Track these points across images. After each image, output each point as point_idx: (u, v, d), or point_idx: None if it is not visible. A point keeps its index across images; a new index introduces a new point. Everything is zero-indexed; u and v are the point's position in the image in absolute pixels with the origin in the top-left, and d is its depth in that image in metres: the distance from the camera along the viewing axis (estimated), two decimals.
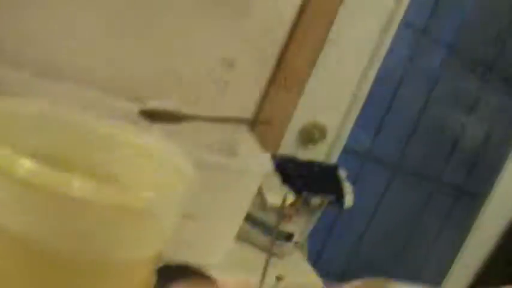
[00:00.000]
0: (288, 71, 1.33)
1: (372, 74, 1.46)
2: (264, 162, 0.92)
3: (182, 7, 1.22)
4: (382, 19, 1.41)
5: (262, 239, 1.04)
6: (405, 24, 1.48)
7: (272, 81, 1.34)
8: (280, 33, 1.32)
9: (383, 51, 1.45)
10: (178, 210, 0.62)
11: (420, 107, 1.71)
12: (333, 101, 1.45)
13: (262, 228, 1.07)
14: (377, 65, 1.46)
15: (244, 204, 0.97)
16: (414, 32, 1.61)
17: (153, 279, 0.67)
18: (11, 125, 0.63)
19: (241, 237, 1.04)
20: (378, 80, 1.44)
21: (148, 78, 1.24)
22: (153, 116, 0.94)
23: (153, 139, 0.70)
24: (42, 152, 0.60)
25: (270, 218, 1.07)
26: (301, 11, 1.31)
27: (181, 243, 0.74)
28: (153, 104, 0.97)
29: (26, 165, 0.54)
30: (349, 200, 1.08)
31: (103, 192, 0.55)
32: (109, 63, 1.19)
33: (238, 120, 1.04)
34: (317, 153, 1.40)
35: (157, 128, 0.91)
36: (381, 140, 1.67)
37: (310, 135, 1.42)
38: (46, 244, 0.57)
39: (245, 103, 1.31)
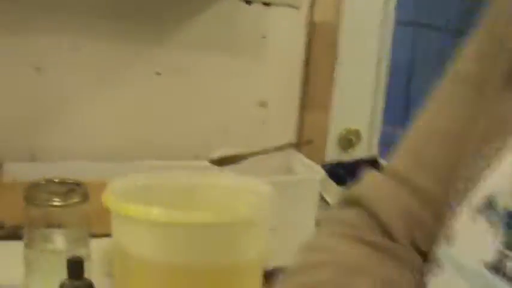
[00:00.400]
0: (312, 94, 1.57)
1: (383, 75, 1.70)
2: (317, 171, 1.15)
3: (215, 68, 1.49)
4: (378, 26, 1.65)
5: None
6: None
7: (302, 107, 1.59)
8: (297, 67, 1.57)
9: (388, 52, 1.69)
10: (268, 222, 0.86)
11: None
12: (357, 107, 1.69)
13: None
14: (386, 64, 1.69)
15: (311, 210, 1.20)
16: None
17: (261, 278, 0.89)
18: (143, 190, 0.89)
19: None
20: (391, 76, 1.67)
21: (201, 137, 1.50)
22: (220, 162, 1.19)
23: (233, 177, 0.95)
24: (164, 202, 0.85)
25: None
26: (309, 43, 1.56)
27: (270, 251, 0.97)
28: (216, 154, 1.21)
29: (155, 211, 0.79)
30: None
31: (217, 215, 0.80)
32: (171, 137, 1.46)
33: (285, 147, 1.28)
34: (358, 154, 1.63)
35: (228, 169, 1.16)
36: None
37: (348, 141, 1.65)
38: (182, 263, 0.81)
39: (286, 131, 1.56)
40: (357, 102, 1.66)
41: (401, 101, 1.85)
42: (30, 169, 1.23)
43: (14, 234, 1.19)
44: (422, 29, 1.84)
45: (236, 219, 0.80)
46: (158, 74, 1.48)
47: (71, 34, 1.41)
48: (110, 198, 0.84)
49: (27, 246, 1.00)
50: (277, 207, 0.87)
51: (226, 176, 0.97)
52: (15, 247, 1.07)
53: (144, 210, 0.80)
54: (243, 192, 0.93)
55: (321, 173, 1.15)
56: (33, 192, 0.97)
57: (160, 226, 0.79)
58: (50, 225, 1.00)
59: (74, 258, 0.86)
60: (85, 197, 0.98)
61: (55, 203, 0.96)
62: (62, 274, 0.88)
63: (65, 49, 1.41)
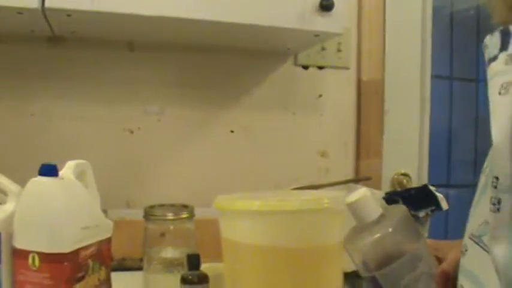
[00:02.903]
0: (366, 143, 1.80)
1: (427, 125, 1.91)
2: (378, 193, 1.37)
3: (280, 125, 1.72)
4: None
5: None
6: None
7: (358, 154, 1.81)
8: (351, 119, 1.81)
9: (428, 106, 1.91)
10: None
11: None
12: (406, 153, 1.90)
13: None
14: (427, 117, 1.91)
15: None
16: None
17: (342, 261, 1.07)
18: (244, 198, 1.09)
19: None
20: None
21: (272, 185, 1.72)
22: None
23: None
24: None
25: None
26: (359, 98, 1.80)
27: None
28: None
29: (256, 203, 1.00)
30: (444, 204, 1.49)
31: (307, 203, 1.01)
32: (245, 185, 1.68)
33: (347, 181, 1.50)
34: None
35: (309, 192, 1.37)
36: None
37: (400, 183, 1.86)
38: (280, 246, 1.01)
39: (345, 176, 1.78)
40: (405, 148, 1.88)
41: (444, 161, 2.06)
42: (127, 214, 1.46)
43: (120, 266, 1.41)
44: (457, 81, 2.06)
45: (322, 206, 1.01)
46: (232, 131, 1.72)
47: (158, 102, 1.68)
48: (219, 201, 1.07)
49: (147, 265, 1.19)
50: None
51: (308, 191, 1.19)
52: (124, 276, 1.29)
53: (247, 204, 1.02)
54: (323, 195, 1.14)
55: (381, 193, 1.36)
56: (151, 210, 1.19)
57: (261, 215, 1.01)
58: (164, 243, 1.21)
59: (192, 253, 1.08)
60: (192, 214, 1.20)
61: (168, 217, 1.18)
62: None
63: (153, 114, 1.67)
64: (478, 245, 0.67)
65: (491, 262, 0.63)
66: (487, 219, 0.66)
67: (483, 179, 0.69)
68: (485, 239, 0.66)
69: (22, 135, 1.58)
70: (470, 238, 0.69)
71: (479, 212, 0.68)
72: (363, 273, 0.82)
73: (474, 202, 0.70)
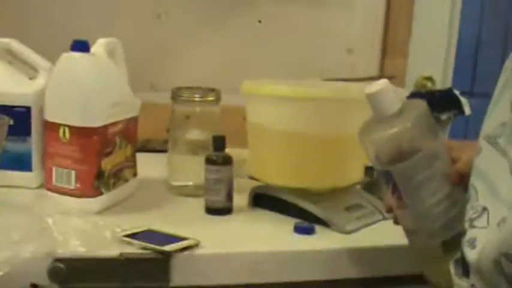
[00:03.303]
0: (393, 42, 1.79)
1: (455, 30, 1.89)
2: (403, 91, 1.38)
3: (308, 18, 1.71)
4: None
5: None
6: None
7: (384, 54, 1.80)
8: (379, 16, 1.79)
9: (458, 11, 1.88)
10: None
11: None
12: (432, 57, 1.89)
13: None
14: (457, 21, 1.89)
15: None
16: None
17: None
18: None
19: None
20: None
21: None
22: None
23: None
24: None
25: None
26: None
27: None
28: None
29: (284, 88, 1.00)
30: (467, 109, 1.50)
31: (335, 92, 1.01)
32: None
33: (371, 78, 1.50)
34: None
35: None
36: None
37: (424, 86, 1.85)
38: (306, 132, 1.03)
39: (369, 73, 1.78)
40: (431, 51, 1.86)
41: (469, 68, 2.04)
42: (151, 97, 1.47)
43: (143, 147, 1.44)
44: None
45: (350, 96, 1.02)
46: (259, 21, 1.71)
47: None
48: (246, 85, 1.08)
49: (172, 147, 1.22)
50: None
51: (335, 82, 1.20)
52: (147, 157, 1.33)
53: (276, 89, 1.04)
54: (352, 86, 1.14)
55: (405, 92, 1.37)
56: (178, 91, 1.21)
57: (290, 101, 1.03)
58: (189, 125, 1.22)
59: (218, 135, 1.10)
60: (218, 98, 1.22)
61: (195, 99, 1.20)
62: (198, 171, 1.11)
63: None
64: (493, 146, 0.67)
65: (504, 164, 0.64)
66: (504, 121, 0.66)
67: (503, 78, 0.69)
68: (500, 141, 0.66)
69: (52, 13, 1.58)
70: (485, 139, 0.69)
71: (497, 112, 0.68)
72: (376, 166, 0.82)
73: (492, 102, 0.70)
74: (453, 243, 0.75)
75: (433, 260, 0.83)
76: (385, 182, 0.81)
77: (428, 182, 0.78)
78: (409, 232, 0.84)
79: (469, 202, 0.70)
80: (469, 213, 0.69)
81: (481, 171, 0.69)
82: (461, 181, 0.78)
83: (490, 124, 0.69)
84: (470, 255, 0.66)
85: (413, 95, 1.50)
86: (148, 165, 1.28)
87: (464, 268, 0.68)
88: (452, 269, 0.72)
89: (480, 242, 0.65)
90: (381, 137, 0.79)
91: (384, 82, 0.80)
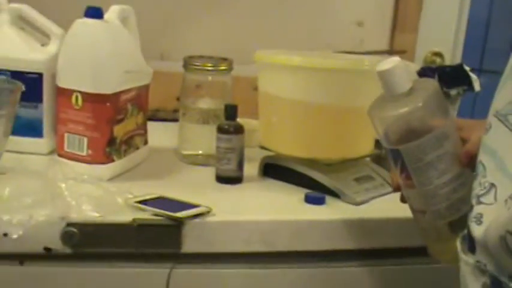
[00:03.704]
0: (403, 17, 1.78)
1: (466, 7, 1.88)
2: (413, 65, 1.37)
3: None
4: None
5: None
6: None
7: (394, 28, 1.80)
8: None
9: None
10: None
11: None
12: (442, 33, 1.88)
13: None
14: None
15: None
16: None
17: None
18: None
19: None
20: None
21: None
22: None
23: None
24: None
25: None
26: None
27: None
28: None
29: (297, 58, 1.00)
30: (477, 85, 1.49)
31: (347, 63, 1.02)
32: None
33: (381, 52, 1.50)
34: None
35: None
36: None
37: (433, 62, 1.85)
38: (318, 102, 1.03)
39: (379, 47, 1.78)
40: (441, 27, 1.86)
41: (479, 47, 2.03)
42: (162, 66, 1.47)
43: (154, 116, 1.45)
44: None
45: (363, 68, 1.02)
46: None
47: None
48: (259, 54, 1.08)
49: (183, 116, 1.22)
50: None
51: (347, 54, 1.20)
52: (158, 126, 1.33)
53: (289, 59, 1.04)
54: (365, 58, 1.14)
55: (416, 66, 1.37)
56: (190, 60, 1.21)
57: (302, 71, 1.03)
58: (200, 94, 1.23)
59: (230, 104, 1.10)
60: (230, 68, 1.22)
61: (207, 68, 1.20)
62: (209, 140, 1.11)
63: None
64: (503, 123, 0.66)
65: None
66: None
67: None
68: (511, 118, 0.65)
69: None
70: (495, 116, 0.68)
71: (508, 89, 0.67)
72: (384, 144, 0.81)
73: (503, 78, 0.68)
74: (460, 223, 0.75)
75: (439, 239, 0.83)
76: (393, 160, 0.80)
77: (438, 162, 0.78)
78: (415, 211, 0.83)
79: (476, 178, 0.69)
80: (477, 190, 0.68)
81: (489, 148, 0.68)
82: (470, 162, 0.77)
83: (500, 100, 0.68)
84: (477, 231, 0.66)
85: (424, 70, 1.50)
86: (158, 134, 1.29)
87: (471, 244, 0.68)
88: (458, 245, 0.72)
89: (487, 218, 0.65)
90: (391, 115, 0.78)
91: (396, 60, 0.78)
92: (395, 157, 0.79)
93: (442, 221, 0.80)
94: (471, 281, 0.67)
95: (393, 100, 0.78)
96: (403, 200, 0.86)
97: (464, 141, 0.80)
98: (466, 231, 0.70)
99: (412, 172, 0.78)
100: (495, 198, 0.64)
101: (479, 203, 0.67)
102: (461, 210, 0.77)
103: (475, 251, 0.67)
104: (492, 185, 0.66)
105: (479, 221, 0.66)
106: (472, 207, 0.68)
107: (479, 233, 0.65)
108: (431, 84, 0.81)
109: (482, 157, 0.69)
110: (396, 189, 0.85)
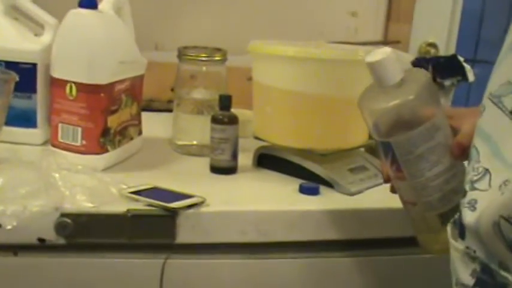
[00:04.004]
0: (397, 7, 1.78)
1: None
2: (408, 56, 1.37)
3: None
4: None
5: None
6: None
7: (388, 18, 1.80)
8: None
9: None
10: None
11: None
12: (436, 23, 1.88)
13: None
14: None
15: None
16: None
17: None
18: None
19: None
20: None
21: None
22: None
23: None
24: None
25: None
26: None
27: None
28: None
29: (291, 49, 1.00)
30: (471, 76, 1.50)
31: (342, 52, 1.02)
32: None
33: (375, 43, 1.50)
34: None
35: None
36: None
37: (427, 53, 1.86)
38: (312, 93, 1.03)
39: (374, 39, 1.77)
40: (436, 17, 1.86)
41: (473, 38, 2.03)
42: (156, 56, 1.47)
43: (148, 106, 1.44)
44: None
45: (357, 58, 1.02)
46: None
47: None
48: (254, 45, 1.08)
49: (177, 106, 1.22)
50: None
51: (341, 44, 1.20)
52: (151, 116, 1.33)
53: (283, 49, 1.03)
54: (359, 48, 1.14)
55: (410, 57, 1.36)
56: (184, 50, 1.20)
57: (297, 61, 1.03)
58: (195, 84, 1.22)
59: (224, 94, 1.10)
60: (225, 58, 1.22)
61: (202, 58, 1.19)
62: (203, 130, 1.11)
63: None
64: (497, 105, 0.65)
65: (509, 125, 0.62)
66: (510, 79, 0.64)
67: (511, 36, 0.67)
68: (505, 100, 0.64)
69: None
70: (489, 98, 0.66)
71: (503, 70, 0.66)
72: (374, 136, 0.80)
73: (498, 60, 0.67)
74: (450, 214, 0.74)
75: (429, 230, 0.83)
76: (383, 152, 0.80)
77: (429, 154, 0.77)
78: (406, 202, 0.83)
79: (469, 163, 0.68)
80: (470, 175, 0.67)
81: (484, 132, 0.67)
82: (462, 154, 0.77)
83: (494, 82, 0.67)
84: (469, 217, 0.65)
85: (418, 61, 1.50)
86: (152, 125, 1.29)
87: (461, 230, 0.68)
88: (449, 230, 0.71)
89: (480, 204, 0.64)
90: (381, 107, 0.77)
91: (386, 51, 0.77)
92: (385, 149, 0.79)
93: (433, 213, 0.80)
94: (461, 267, 0.66)
95: (384, 92, 0.77)
96: (392, 190, 0.86)
97: (454, 130, 0.80)
98: (457, 216, 0.69)
99: (403, 164, 0.78)
100: (489, 185, 0.64)
101: (473, 189, 0.66)
102: (453, 201, 0.77)
103: (465, 237, 0.66)
104: (486, 170, 0.65)
105: (472, 207, 0.65)
106: (465, 193, 0.67)
107: (471, 219, 0.65)
108: (423, 75, 0.80)
109: (476, 141, 0.68)
110: (386, 180, 0.84)
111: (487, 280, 0.63)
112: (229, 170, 1.11)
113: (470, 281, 0.65)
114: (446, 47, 1.89)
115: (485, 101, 0.67)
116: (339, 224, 1.00)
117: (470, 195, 0.66)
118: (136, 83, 1.15)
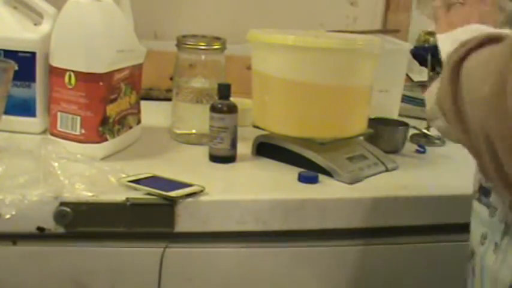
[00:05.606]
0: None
1: None
2: (406, 44, 1.37)
3: None
4: None
5: None
6: None
7: (387, 7, 1.79)
8: None
9: None
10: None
11: None
12: None
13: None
14: None
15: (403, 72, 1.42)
16: None
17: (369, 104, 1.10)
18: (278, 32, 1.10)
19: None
20: None
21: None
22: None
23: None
24: None
25: (418, 93, 1.52)
26: None
27: None
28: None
29: (291, 37, 1.00)
30: None
31: (341, 41, 1.02)
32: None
33: (375, 31, 1.49)
34: None
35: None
36: None
37: (426, 41, 1.85)
38: (311, 81, 1.03)
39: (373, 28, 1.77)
40: None
41: None
42: (155, 45, 1.46)
43: (147, 95, 1.44)
44: None
45: (356, 47, 1.02)
46: None
47: None
48: (253, 33, 1.08)
49: (176, 95, 1.22)
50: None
51: (341, 33, 1.20)
52: (150, 105, 1.33)
53: (282, 38, 1.03)
54: (358, 37, 1.14)
55: (409, 46, 1.36)
56: (183, 39, 1.20)
57: (296, 50, 1.03)
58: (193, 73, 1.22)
59: (223, 83, 1.10)
60: (224, 47, 1.21)
61: (200, 47, 1.19)
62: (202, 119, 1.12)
63: None
64: None
65: None
66: None
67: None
68: None
69: None
70: None
71: None
72: None
73: None
74: None
75: None
76: None
77: None
78: None
79: None
80: None
81: None
82: None
83: None
84: None
85: (417, 49, 1.50)
86: (151, 114, 1.29)
87: None
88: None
89: None
90: None
91: None
92: None
93: None
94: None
95: None
96: None
97: None
98: None
99: None
100: None
101: None
102: None
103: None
104: None
105: None
106: None
107: None
108: None
109: None
110: None
111: None
112: (228, 158, 1.11)
113: None
114: None
115: None
116: (338, 213, 1.00)
117: None
118: (135, 71, 1.15)
